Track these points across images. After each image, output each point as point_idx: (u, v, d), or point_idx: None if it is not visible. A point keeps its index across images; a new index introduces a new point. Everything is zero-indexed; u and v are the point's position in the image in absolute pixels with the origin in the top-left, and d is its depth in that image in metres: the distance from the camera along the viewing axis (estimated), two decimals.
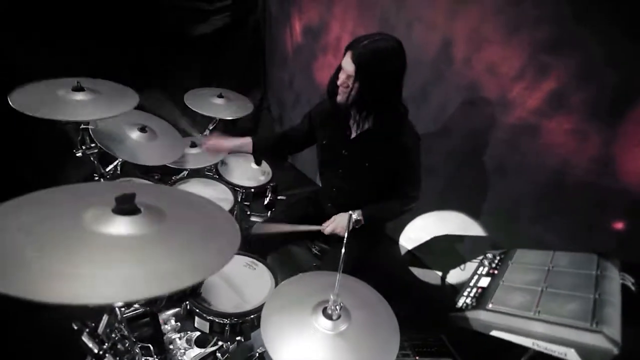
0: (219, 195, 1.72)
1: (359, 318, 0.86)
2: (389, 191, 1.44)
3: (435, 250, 2.28)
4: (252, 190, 1.86)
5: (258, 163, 2.00)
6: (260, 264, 1.40)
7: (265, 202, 1.97)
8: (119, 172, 1.58)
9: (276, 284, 1.30)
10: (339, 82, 1.30)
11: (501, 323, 0.87)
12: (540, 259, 1.06)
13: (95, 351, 0.80)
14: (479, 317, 0.91)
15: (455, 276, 2.18)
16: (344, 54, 1.27)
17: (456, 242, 2.14)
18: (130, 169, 1.68)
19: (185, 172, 1.77)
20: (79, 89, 1.17)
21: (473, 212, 2.02)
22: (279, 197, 2.09)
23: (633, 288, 0.92)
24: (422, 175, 1.44)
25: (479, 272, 1.14)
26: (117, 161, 1.56)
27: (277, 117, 3.18)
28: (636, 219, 1.39)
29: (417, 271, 2.34)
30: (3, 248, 0.44)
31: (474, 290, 1.04)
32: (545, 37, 1.51)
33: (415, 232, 2.37)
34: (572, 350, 0.78)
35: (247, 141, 1.59)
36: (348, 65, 1.24)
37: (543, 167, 1.65)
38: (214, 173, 1.86)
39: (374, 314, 0.90)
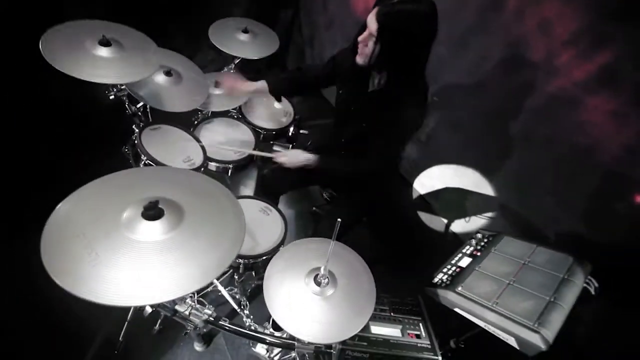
0: (241, 137, 1.84)
1: (344, 285, 1.07)
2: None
3: (446, 199, 2.40)
4: (274, 132, 1.95)
5: (278, 100, 2.03)
6: (273, 210, 1.60)
7: (288, 136, 2.09)
8: (148, 109, 1.70)
9: (286, 231, 1.52)
10: (359, 39, 1.23)
11: (463, 305, 1.05)
12: (521, 251, 1.17)
13: None
14: (447, 296, 1.09)
15: (459, 226, 2.34)
16: (373, 7, 1.19)
17: (466, 197, 2.23)
18: None
19: (209, 112, 1.87)
20: (105, 43, 1.23)
21: (490, 172, 2.06)
22: (301, 131, 2.19)
23: (593, 292, 1.04)
24: (398, 150, 1.49)
25: (464, 250, 1.27)
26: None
27: (307, 39, 3.03)
28: None
29: (424, 216, 2.51)
30: (72, 254, 0.63)
31: (453, 268, 1.20)
32: (614, 1, 1.30)
33: (430, 180, 2.46)
34: (513, 339, 0.96)
35: (262, 85, 1.60)
36: (372, 22, 1.17)
37: (572, 143, 1.61)
38: (237, 112, 1.94)
39: (357, 282, 1.09)
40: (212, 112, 1.89)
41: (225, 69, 2.06)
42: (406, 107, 1.29)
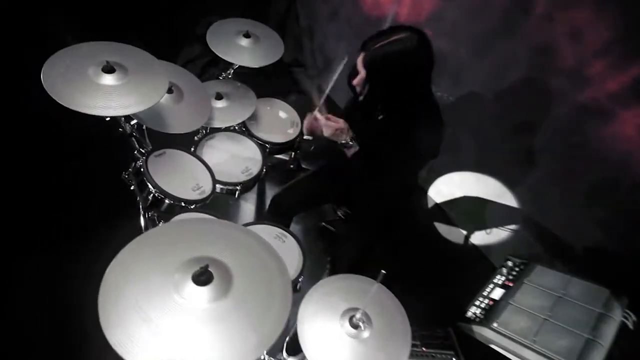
0: (247, 154, 1.90)
1: (379, 326, 1.18)
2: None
3: (465, 208, 2.53)
4: (280, 146, 2.02)
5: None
6: (289, 237, 1.69)
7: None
8: (144, 127, 1.75)
9: (304, 260, 1.61)
10: (354, 82, 1.36)
11: (500, 342, 1.18)
12: (555, 283, 1.30)
13: None
14: (483, 333, 1.22)
15: (479, 238, 2.48)
16: (359, 51, 1.29)
17: (487, 207, 2.36)
18: None
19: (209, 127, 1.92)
20: (109, 70, 1.28)
21: (512, 182, 2.19)
22: (305, 137, 2.27)
23: (631, 327, 1.18)
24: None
25: (495, 280, 1.40)
26: None
27: (306, 28, 3.08)
28: None
29: (441, 227, 2.64)
30: (132, 329, 0.73)
31: (486, 301, 1.33)
32: None
33: (449, 187, 2.59)
34: None
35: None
36: (360, 68, 1.29)
37: (602, 157, 1.72)
38: (241, 125, 2.00)
39: (392, 322, 1.21)
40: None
41: (223, 75, 2.11)
42: (417, 134, 1.37)
